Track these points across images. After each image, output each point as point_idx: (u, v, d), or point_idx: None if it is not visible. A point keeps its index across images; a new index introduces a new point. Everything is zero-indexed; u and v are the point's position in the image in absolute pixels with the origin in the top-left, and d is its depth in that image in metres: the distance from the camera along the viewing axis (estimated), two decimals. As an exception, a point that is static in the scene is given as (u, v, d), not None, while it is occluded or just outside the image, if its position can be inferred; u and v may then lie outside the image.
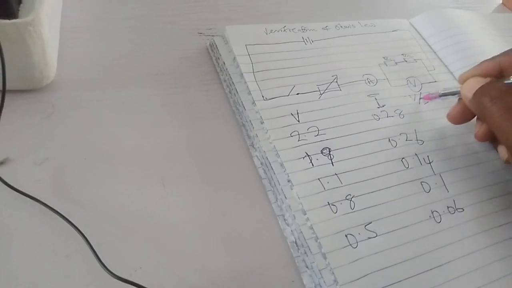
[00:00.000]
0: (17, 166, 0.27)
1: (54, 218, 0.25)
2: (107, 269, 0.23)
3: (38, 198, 0.25)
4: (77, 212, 0.26)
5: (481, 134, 0.31)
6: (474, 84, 0.29)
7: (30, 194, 0.25)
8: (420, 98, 0.36)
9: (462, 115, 0.32)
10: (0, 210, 0.25)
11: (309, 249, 0.26)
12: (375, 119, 0.34)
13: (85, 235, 0.24)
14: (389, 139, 0.32)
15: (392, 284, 0.25)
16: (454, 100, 0.34)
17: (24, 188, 0.26)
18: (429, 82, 0.38)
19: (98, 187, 0.27)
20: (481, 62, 0.31)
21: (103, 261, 0.23)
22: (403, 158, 0.32)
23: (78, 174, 0.28)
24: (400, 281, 0.26)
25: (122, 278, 0.22)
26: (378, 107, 0.34)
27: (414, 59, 0.40)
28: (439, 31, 0.44)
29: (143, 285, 0.22)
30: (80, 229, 0.24)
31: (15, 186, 0.26)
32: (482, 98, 0.28)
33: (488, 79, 0.30)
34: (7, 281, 0.23)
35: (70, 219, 0.25)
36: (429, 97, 0.35)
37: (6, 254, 0.24)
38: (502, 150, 0.31)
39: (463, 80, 0.31)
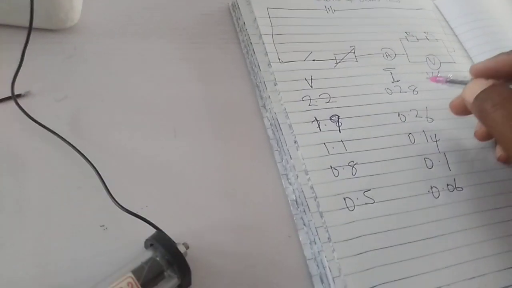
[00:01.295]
0: (38, 100, 0.28)
1: (69, 152, 0.26)
2: (116, 201, 0.24)
3: (56, 132, 0.27)
4: (91, 149, 0.27)
5: (481, 134, 0.31)
6: (476, 88, 0.27)
7: (49, 127, 0.27)
8: (427, 78, 0.36)
9: (464, 108, 0.30)
10: (19, 139, 0.27)
11: (308, 208, 0.27)
12: (387, 92, 0.34)
13: (98, 170, 0.26)
14: (398, 114, 0.33)
15: (383, 248, 0.26)
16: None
17: (43, 121, 0.27)
18: (449, 62, 0.38)
19: (112, 128, 0.29)
20: (498, 55, 0.29)
21: (113, 195, 0.25)
22: (410, 134, 0.32)
23: (95, 114, 0.29)
24: (391, 246, 0.27)
25: (130, 211, 0.24)
26: (392, 82, 0.35)
27: (436, 39, 0.39)
28: (462, 15, 0.43)
29: (150, 220, 0.24)
30: (94, 164, 0.26)
31: (35, 118, 0.27)
32: (483, 103, 0.26)
33: (490, 82, 0.27)
34: (21, 206, 0.25)
35: (84, 154, 0.26)
36: (436, 80, 0.33)
37: (21, 180, 0.25)
38: (499, 148, 0.30)
39: (474, 71, 0.29)
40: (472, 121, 0.34)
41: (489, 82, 0.27)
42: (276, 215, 0.28)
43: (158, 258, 0.22)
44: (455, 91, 0.35)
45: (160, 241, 0.23)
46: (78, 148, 0.26)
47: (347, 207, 0.27)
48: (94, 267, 0.23)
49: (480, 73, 0.29)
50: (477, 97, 0.27)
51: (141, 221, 0.24)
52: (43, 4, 0.29)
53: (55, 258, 0.23)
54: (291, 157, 0.29)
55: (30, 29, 0.27)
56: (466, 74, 0.32)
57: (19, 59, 0.28)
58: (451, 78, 0.32)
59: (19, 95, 0.28)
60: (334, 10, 0.38)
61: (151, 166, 0.28)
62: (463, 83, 0.31)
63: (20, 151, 0.26)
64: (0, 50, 0.30)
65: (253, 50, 0.34)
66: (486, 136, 0.31)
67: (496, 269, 0.28)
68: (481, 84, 0.27)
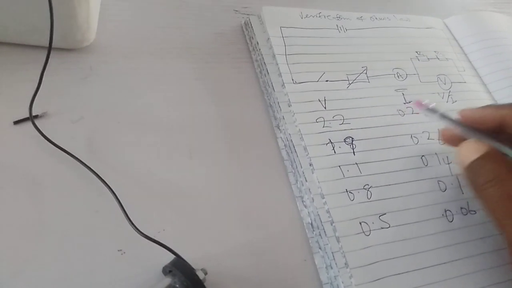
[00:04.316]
0: (54, 121, 0.28)
1: (86, 174, 0.26)
2: (135, 227, 0.24)
3: (73, 154, 0.27)
4: (107, 171, 0.27)
5: (446, 136, 0.31)
6: (470, 152, 0.26)
7: (66, 149, 0.27)
8: (449, 96, 0.36)
9: (454, 140, 0.30)
10: (36, 161, 0.27)
11: (324, 232, 0.27)
12: (400, 114, 0.34)
13: (115, 193, 0.26)
14: (411, 136, 0.33)
15: (399, 274, 0.26)
16: None
17: (59, 143, 0.27)
18: (459, 82, 0.38)
19: (128, 150, 0.29)
20: (486, 106, 0.29)
21: (130, 218, 0.25)
22: (423, 156, 0.32)
23: (111, 136, 0.29)
24: (407, 272, 0.27)
25: (148, 236, 0.24)
26: (404, 103, 0.35)
27: (446, 58, 0.40)
28: (471, 34, 0.43)
29: (167, 245, 0.24)
30: (111, 187, 0.26)
31: (52, 140, 0.27)
32: (476, 177, 0.26)
33: (485, 147, 0.26)
34: (38, 229, 0.25)
35: (101, 177, 0.26)
36: (419, 104, 0.32)
37: (38, 203, 0.25)
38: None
39: (462, 116, 0.29)
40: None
41: (483, 147, 0.26)
42: (291, 238, 0.28)
43: (177, 285, 0.22)
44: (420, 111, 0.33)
45: (179, 267, 0.23)
46: (95, 170, 0.26)
47: (363, 232, 0.27)
48: (113, 293, 0.23)
49: (467, 120, 0.29)
50: (470, 167, 0.26)
51: (159, 245, 0.24)
52: (61, 24, 0.29)
53: (73, 284, 0.23)
54: (306, 180, 0.29)
55: (49, 50, 0.27)
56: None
57: (35, 79, 0.28)
58: (433, 107, 0.31)
59: (36, 116, 0.28)
60: (346, 30, 0.39)
61: (167, 188, 0.28)
62: (440, 115, 0.30)
63: (37, 173, 0.26)
64: (16, 70, 0.30)
65: (267, 70, 0.34)
66: (450, 139, 0.30)
67: (511, 293, 0.28)
68: (475, 150, 0.26)
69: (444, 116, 0.30)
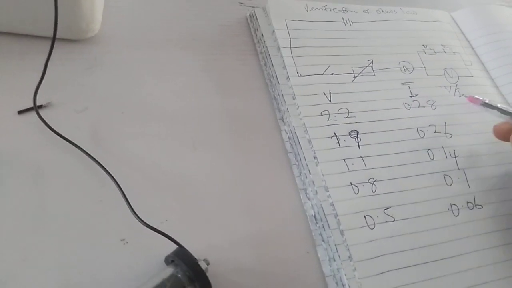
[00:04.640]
0: (58, 111, 0.28)
1: (89, 164, 0.26)
2: (138, 216, 0.24)
3: (77, 144, 0.27)
4: (111, 161, 0.27)
5: (499, 131, 0.31)
6: None
7: (70, 139, 0.27)
8: (456, 90, 0.36)
9: (507, 135, 0.30)
10: (40, 151, 0.27)
11: (328, 224, 0.27)
12: (406, 107, 0.34)
13: (119, 183, 0.26)
14: (417, 129, 0.33)
15: (403, 268, 0.26)
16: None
17: (64, 133, 0.27)
18: (466, 76, 0.38)
19: (132, 140, 0.29)
20: None
21: (133, 208, 0.25)
22: (429, 150, 0.32)
23: (114, 126, 0.29)
24: (411, 266, 0.26)
25: (151, 226, 0.24)
26: (411, 96, 0.35)
27: (453, 52, 0.39)
28: (479, 28, 0.43)
29: (170, 235, 0.24)
30: (114, 177, 0.26)
31: (56, 130, 0.27)
32: None
33: None
34: (42, 218, 0.25)
35: (105, 167, 0.26)
36: (472, 99, 0.34)
37: (42, 193, 0.25)
38: None
39: None
40: (491, 137, 0.34)
41: None
42: (294, 230, 0.28)
43: (179, 275, 0.22)
44: (474, 106, 0.35)
45: (182, 257, 0.23)
46: (98, 160, 0.26)
47: (368, 225, 0.27)
48: (115, 283, 0.23)
49: None
50: None
51: (161, 235, 0.24)
52: (65, 15, 0.29)
53: (76, 273, 0.23)
54: (310, 172, 0.29)
55: (53, 40, 0.27)
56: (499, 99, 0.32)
57: (39, 69, 0.28)
58: (487, 102, 0.32)
59: (40, 106, 0.28)
60: (352, 22, 0.38)
61: (171, 179, 0.28)
62: (499, 110, 0.31)
63: (41, 162, 0.26)
64: (21, 60, 0.30)
65: (272, 63, 0.34)
66: (504, 135, 0.30)
67: (516, 289, 0.28)
68: None
69: (503, 110, 0.30)
